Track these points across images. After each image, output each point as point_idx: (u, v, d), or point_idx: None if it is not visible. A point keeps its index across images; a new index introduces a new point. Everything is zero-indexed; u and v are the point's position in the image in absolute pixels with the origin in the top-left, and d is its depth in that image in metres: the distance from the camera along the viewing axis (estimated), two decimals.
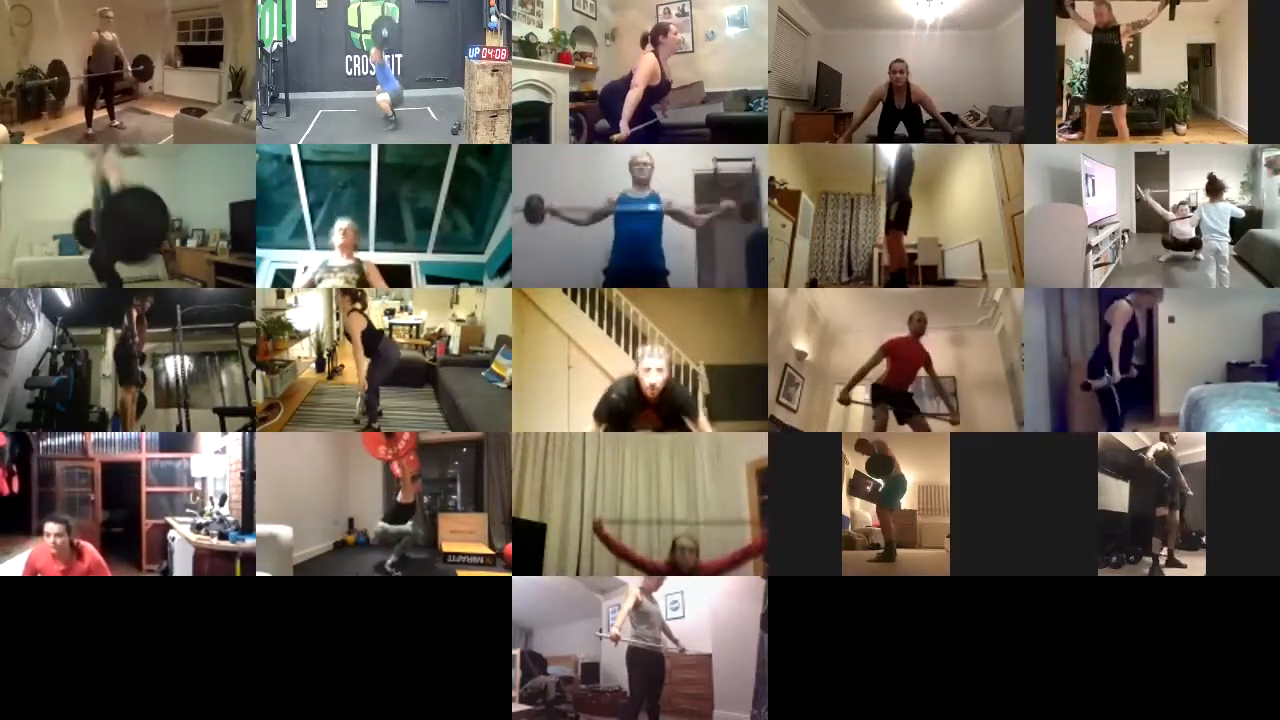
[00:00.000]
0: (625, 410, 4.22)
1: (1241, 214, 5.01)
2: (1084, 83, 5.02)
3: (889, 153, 5.24)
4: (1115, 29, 4.92)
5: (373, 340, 5.32)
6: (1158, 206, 5.23)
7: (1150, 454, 4.63)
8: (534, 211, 4.52)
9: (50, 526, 4.32)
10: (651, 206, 4.64)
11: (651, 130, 5.03)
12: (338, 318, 5.65)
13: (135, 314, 4.99)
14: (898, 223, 5.31)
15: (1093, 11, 4.87)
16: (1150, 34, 5.20)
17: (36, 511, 4.85)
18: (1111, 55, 4.95)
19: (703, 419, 4.40)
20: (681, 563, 4.36)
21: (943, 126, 5.06)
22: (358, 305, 5.23)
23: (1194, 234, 5.11)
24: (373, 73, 6.25)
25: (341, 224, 5.01)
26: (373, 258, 5.22)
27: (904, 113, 5.07)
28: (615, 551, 4.43)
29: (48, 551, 4.31)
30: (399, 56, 6.05)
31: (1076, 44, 4.97)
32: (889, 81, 5.09)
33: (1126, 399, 4.70)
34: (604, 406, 4.27)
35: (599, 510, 5.05)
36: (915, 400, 5.10)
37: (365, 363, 5.27)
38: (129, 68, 5.36)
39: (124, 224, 4.83)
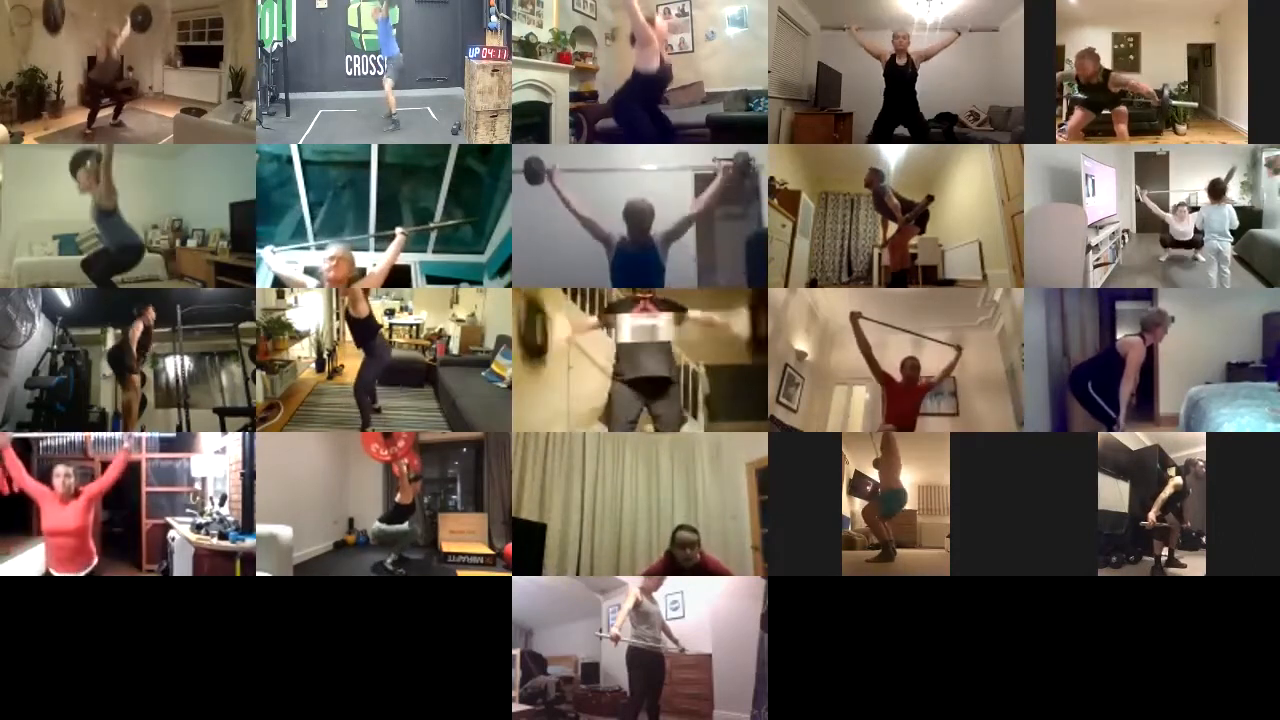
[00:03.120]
0: (623, 307, 4.39)
1: (1237, 205, 5.03)
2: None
3: (889, 153, 5.25)
4: (1104, 79, 4.92)
5: (369, 332, 5.32)
6: (1155, 208, 5.23)
7: (1169, 489, 4.66)
8: (534, 174, 4.48)
9: (59, 469, 4.49)
10: (650, 258, 4.60)
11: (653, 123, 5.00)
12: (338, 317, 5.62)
13: (141, 326, 4.99)
14: (917, 221, 5.31)
15: (1074, 64, 4.89)
16: (1150, 34, 5.21)
17: (37, 512, 4.85)
18: (1103, 99, 4.98)
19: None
20: (683, 559, 4.29)
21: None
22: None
23: (1193, 234, 5.11)
24: (374, 73, 6.26)
25: (333, 251, 4.82)
26: (372, 258, 5.21)
27: (903, 106, 5.10)
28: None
29: (55, 496, 4.45)
30: (400, 56, 6.04)
31: (1076, 45, 4.97)
32: (892, 53, 5.14)
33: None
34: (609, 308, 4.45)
35: (599, 510, 5.04)
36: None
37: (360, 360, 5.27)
38: (127, 76, 5.37)
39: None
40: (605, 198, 4.62)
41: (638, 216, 4.47)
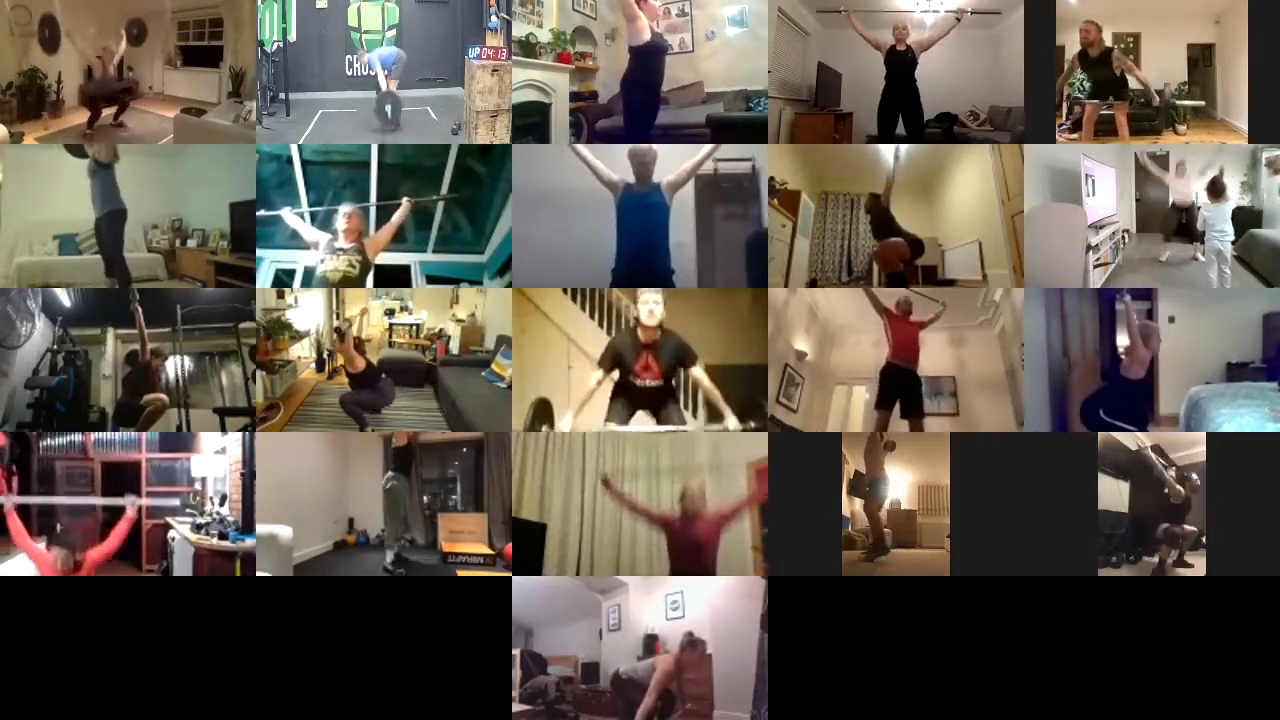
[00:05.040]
0: (625, 354, 4.37)
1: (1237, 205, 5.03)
2: (1084, 83, 5.03)
3: (889, 153, 5.25)
4: (1107, 54, 4.92)
5: (371, 380, 5.34)
6: (1155, 169, 5.19)
7: (1171, 474, 4.65)
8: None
9: (54, 552, 4.35)
10: (655, 200, 4.55)
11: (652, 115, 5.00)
12: (340, 336, 5.59)
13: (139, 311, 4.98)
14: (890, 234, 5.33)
15: (1079, 31, 4.89)
16: (1150, 34, 5.22)
17: (36, 511, 4.85)
18: (1105, 74, 4.96)
19: (700, 372, 4.39)
20: (690, 509, 4.38)
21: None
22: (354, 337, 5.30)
23: (1194, 198, 5.08)
24: (373, 73, 6.26)
25: (345, 209, 4.88)
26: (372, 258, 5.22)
27: (904, 94, 5.11)
28: (624, 505, 4.56)
29: (51, 564, 4.34)
30: (396, 53, 6.05)
31: (1076, 45, 4.98)
32: (891, 44, 5.15)
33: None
34: (607, 352, 4.42)
35: (599, 510, 5.04)
36: (922, 392, 5.10)
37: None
38: (127, 76, 5.37)
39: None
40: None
41: (641, 157, 4.53)
